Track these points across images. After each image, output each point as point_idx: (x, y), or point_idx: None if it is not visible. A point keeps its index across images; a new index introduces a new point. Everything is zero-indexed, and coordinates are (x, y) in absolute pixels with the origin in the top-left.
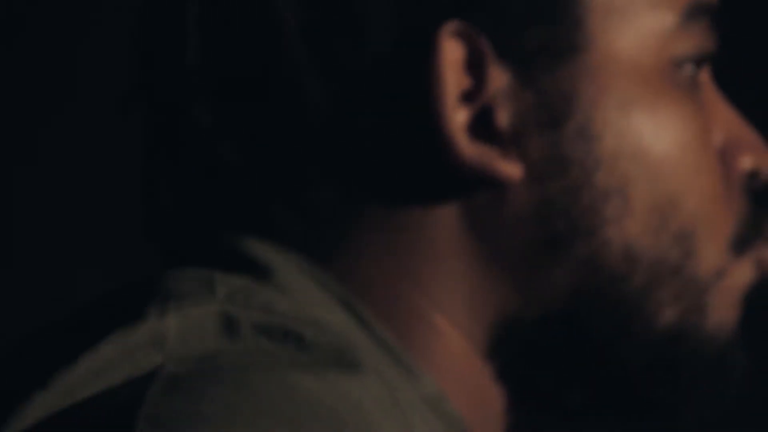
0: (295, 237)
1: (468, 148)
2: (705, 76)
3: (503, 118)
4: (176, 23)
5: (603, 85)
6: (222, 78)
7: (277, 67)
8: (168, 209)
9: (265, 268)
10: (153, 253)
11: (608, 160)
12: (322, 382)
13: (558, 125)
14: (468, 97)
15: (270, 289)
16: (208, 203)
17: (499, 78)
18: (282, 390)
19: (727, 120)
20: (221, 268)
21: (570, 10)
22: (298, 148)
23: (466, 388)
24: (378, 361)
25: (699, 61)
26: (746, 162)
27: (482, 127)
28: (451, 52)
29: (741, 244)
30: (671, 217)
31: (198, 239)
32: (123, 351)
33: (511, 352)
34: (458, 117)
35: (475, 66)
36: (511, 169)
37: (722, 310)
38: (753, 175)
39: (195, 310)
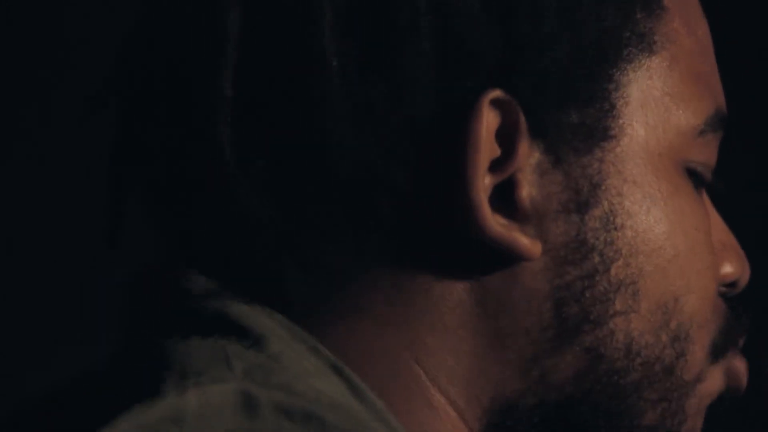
0: (294, 292)
1: (492, 217)
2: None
3: (526, 193)
4: (212, 41)
5: (629, 175)
6: (252, 109)
7: (312, 105)
8: (143, 227)
9: (257, 335)
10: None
11: (626, 253)
12: None
13: (583, 211)
14: (494, 167)
15: (284, 368)
16: (202, 239)
17: (528, 152)
18: None
19: (717, 225)
20: (215, 335)
21: (607, 96)
22: (317, 198)
23: None
24: None
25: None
26: (728, 269)
27: (503, 199)
28: (489, 120)
29: (717, 351)
30: (672, 316)
31: (172, 291)
32: (141, 428)
33: None
34: (485, 185)
35: (507, 136)
36: (532, 245)
37: (695, 417)
38: (732, 284)
39: (214, 387)
